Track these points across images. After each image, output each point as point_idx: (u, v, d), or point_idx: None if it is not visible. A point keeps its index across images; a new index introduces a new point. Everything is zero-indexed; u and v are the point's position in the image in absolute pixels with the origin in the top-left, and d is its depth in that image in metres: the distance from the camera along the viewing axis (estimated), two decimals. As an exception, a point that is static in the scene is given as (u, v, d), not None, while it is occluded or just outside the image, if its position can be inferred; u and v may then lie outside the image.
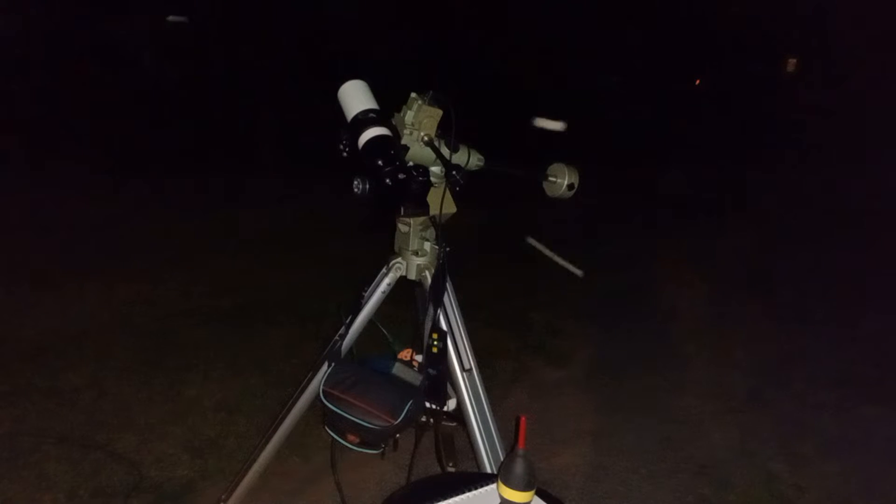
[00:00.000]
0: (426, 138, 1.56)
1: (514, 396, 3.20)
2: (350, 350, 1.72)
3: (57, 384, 2.99)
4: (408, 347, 1.72)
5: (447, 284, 1.63)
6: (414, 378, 1.61)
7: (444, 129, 1.59)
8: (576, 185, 1.79)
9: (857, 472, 2.67)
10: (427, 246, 1.67)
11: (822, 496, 2.55)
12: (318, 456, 2.58)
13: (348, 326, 1.71)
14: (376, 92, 1.56)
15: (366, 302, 1.72)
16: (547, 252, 1.63)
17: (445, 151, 1.58)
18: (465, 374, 1.60)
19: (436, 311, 1.59)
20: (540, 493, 1.16)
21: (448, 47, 11.42)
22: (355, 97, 1.54)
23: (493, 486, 1.16)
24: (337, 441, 1.56)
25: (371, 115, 1.50)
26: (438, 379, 1.56)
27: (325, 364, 1.67)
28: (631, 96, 14.80)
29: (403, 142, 1.55)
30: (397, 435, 1.55)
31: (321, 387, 1.56)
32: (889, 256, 5.56)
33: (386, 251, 1.73)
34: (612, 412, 3.08)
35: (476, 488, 1.19)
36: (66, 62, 8.71)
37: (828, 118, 13.02)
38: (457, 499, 1.17)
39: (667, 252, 5.62)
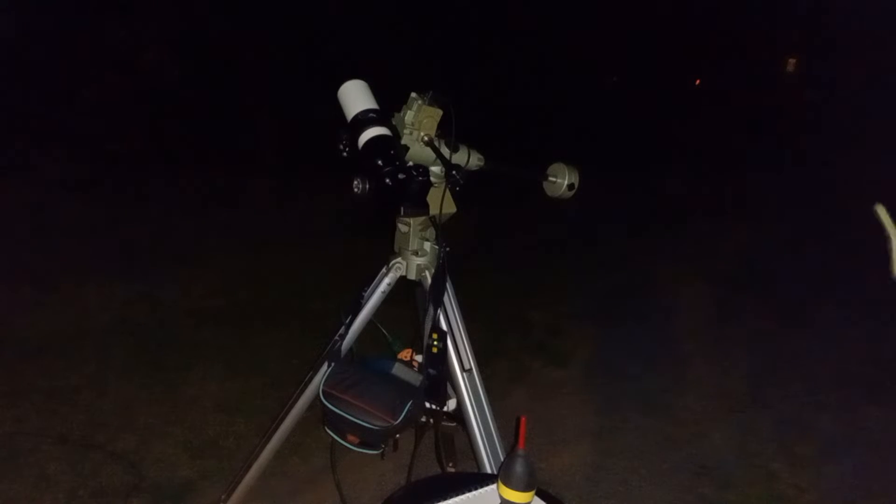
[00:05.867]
0: (426, 138, 1.55)
1: (514, 396, 3.19)
2: (350, 350, 1.72)
3: (57, 384, 2.99)
4: (408, 347, 1.72)
5: (447, 284, 1.62)
6: (414, 378, 1.61)
7: (444, 129, 1.59)
8: (576, 185, 1.78)
9: (857, 472, 2.67)
10: (427, 246, 1.67)
11: (822, 496, 2.55)
12: (318, 456, 2.58)
13: (348, 326, 1.71)
14: (376, 92, 1.56)
15: (366, 302, 1.72)
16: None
17: (445, 151, 1.58)
18: (465, 374, 1.60)
19: (436, 311, 1.59)
20: (540, 494, 1.16)
21: (448, 47, 11.43)
22: (355, 97, 1.54)
23: (493, 486, 1.16)
24: (337, 441, 1.56)
25: (371, 114, 1.50)
26: (438, 379, 1.56)
27: (325, 364, 1.67)
28: (630, 96, 14.80)
29: (403, 142, 1.55)
30: (397, 435, 1.55)
31: (321, 387, 1.56)
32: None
33: (386, 251, 1.73)
34: (612, 412, 3.08)
35: (476, 488, 1.19)
36: (67, 62, 8.70)
37: (826, 117, 13.03)
38: (457, 499, 1.16)
39: (666, 252, 5.62)
